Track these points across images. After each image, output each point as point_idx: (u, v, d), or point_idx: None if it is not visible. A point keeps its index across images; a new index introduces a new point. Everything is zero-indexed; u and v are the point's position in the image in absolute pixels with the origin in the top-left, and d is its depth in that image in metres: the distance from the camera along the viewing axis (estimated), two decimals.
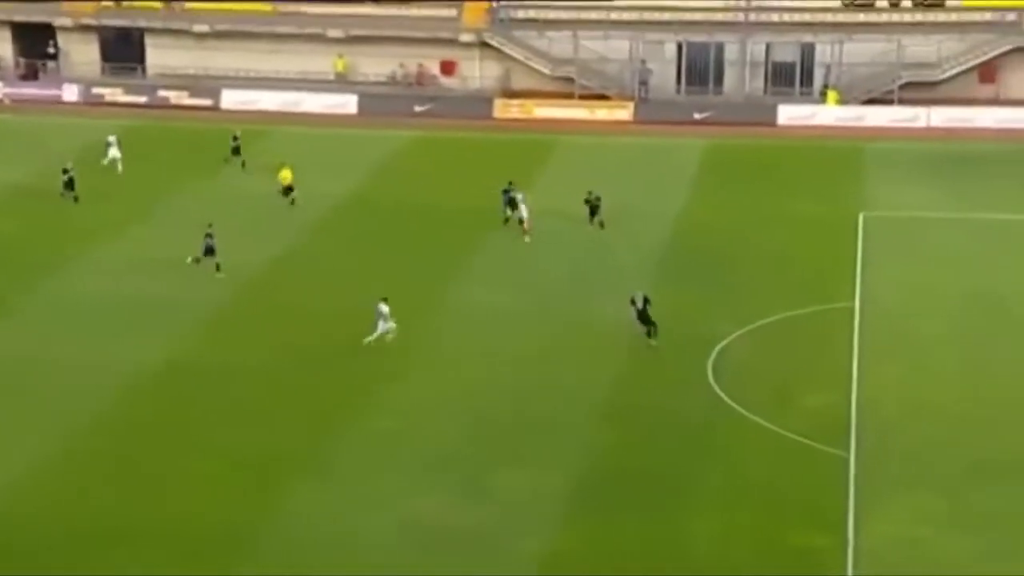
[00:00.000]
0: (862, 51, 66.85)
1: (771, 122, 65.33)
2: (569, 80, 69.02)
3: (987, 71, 66.89)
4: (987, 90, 67.01)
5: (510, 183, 50.30)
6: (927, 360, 38.67)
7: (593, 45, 69.16)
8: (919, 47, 66.36)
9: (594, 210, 49.58)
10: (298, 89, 69.67)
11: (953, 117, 64.22)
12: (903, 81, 66.22)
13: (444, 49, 70.82)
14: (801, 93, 67.70)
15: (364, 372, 38.09)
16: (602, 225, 49.17)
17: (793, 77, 68.12)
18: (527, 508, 31.11)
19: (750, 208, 52.50)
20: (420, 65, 71.18)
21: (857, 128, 64.28)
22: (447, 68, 71.25)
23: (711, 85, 68.75)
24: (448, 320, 42.10)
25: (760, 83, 68.56)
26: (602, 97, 68.30)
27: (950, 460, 33.12)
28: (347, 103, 68.99)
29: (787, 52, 68.24)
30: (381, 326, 39.45)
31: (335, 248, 48.34)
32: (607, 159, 60.23)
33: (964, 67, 66.51)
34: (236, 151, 58.01)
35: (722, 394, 36.54)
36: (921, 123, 64.30)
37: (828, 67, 67.41)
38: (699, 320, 40.77)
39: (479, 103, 68.25)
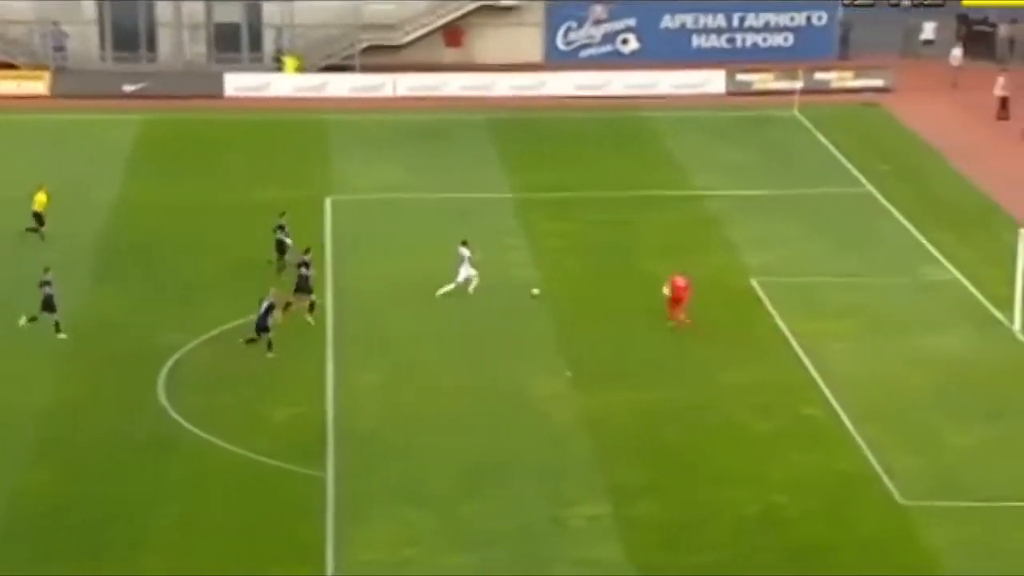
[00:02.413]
0: (317, 11, 68.04)
1: (217, 94, 65.50)
2: None
3: (453, 33, 69.99)
4: (454, 54, 70.13)
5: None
6: (407, 359, 39.92)
7: None
8: (379, 6, 68.45)
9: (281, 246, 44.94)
10: None
11: (419, 85, 66.65)
12: (364, 45, 68.09)
13: None
14: (251, 60, 68.30)
15: None
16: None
17: (240, 41, 68.48)
18: None
19: (199, 195, 52.42)
20: None
21: (318, 99, 65.47)
22: None
23: (143, 51, 68.09)
24: None
25: (202, 48, 68.51)
26: (9, 67, 66.40)
27: (437, 470, 34.36)
28: None
29: (231, 12, 68.53)
30: (463, 272, 42.04)
31: None
32: (20, 142, 58.78)
33: (428, 29, 69.20)
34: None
35: (176, 415, 36.49)
36: (387, 92, 66.36)
37: (279, 29, 68.27)
38: (146, 329, 40.40)
39: None
